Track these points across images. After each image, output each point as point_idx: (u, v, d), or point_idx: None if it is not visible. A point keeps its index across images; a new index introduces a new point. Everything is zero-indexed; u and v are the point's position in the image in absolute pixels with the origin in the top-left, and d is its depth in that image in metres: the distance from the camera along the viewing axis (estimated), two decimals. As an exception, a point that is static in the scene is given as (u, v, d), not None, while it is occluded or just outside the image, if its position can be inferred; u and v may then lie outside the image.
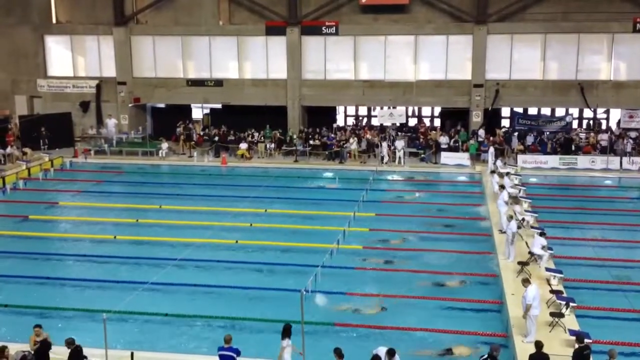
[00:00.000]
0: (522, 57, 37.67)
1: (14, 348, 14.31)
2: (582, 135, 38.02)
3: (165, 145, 38.08)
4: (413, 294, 19.00)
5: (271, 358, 15.33)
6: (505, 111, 40.24)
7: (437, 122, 42.51)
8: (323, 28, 38.82)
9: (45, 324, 15.19)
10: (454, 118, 39.54)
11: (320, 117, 40.82)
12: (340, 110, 44.11)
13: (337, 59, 39.55)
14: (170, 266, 20.80)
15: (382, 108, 40.45)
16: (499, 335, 16.44)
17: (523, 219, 23.67)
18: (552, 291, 17.74)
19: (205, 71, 40.82)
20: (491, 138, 36.58)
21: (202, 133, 39.98)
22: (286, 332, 14.16)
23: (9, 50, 42.06)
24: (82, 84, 41.72)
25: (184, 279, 20.23)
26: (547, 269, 19.35)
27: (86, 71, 42.22)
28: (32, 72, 42.18)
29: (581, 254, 22.05)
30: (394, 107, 39.43)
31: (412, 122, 42.74)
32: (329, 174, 34.91)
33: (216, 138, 38.61)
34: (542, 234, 20.71)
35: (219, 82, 40.49)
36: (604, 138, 36.12)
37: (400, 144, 35.90)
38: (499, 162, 32.10)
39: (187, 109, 43.05)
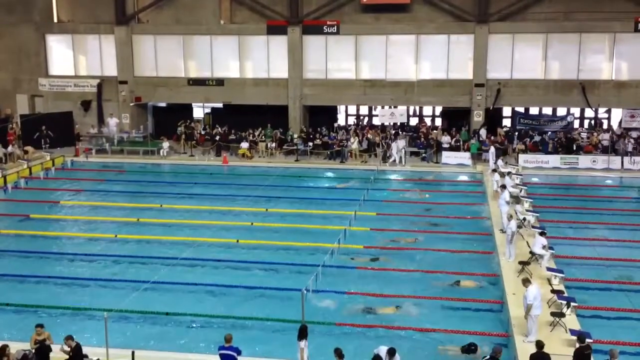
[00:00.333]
0: (524, 57, 37.64)
1: (15, 347, 14.32)
2: (584, 135, 38.00)
3: (166, 144, 38.09)
4: (414, 294, 18.99)
5: (272, 357, 15.39)
6: (507, 111, 40.20)
7: (438, 122, 42.44)
8: (324, 27, 38.81)
9: (47, 322, 15.23)
10: (455, 117, 39.47)
11: (321, 116, 40.81)
12: (341, 109, 44.09)
13: (338, 58, 39.53)
14: (172, 265, 20.82)
15: (383, 107, 40.44)
16: (499, 335, 16.44)
17: (524, 219, 23.66)
18: (553, 291, 17.72)
19: (206, 70, 40.82)
20: (492, 138, 36.55)
21: (203, 132, 39.96)
22: (303, 333, 14.15)
23: (10, 49, 42.09)
24: (83, 83, 41.73)
25: (185, 278, 20.25)
26: (548, 269, 19.36)
27: (87, 70, 42.22)
28: (33, 71, 42.20)
29: (582, 254, 22.03)
30: (395, 107, 39.42)
31: (414, 121, 42.71)
32: (330, 174, 34.94)
33: (217, 137, 38.62)
34: (542, 234, 20.69)
35: (220, 82, 40.49)
36: (605, 138, 36.09)
37: (401, 143, 35.87)
38: (500, 162, 32.07)
39: (188, 108, 43.06)
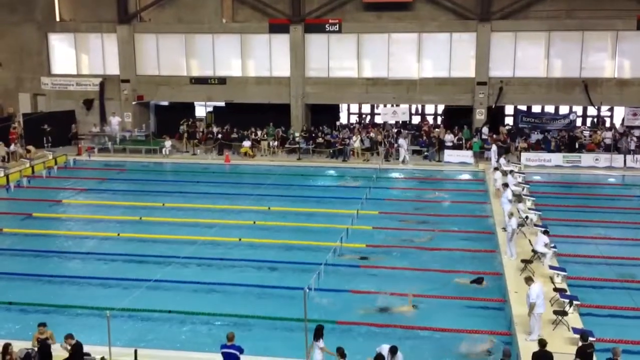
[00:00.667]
0: (526, 55, 37.59)
1: (18, 345, 14.34)
2: (586, 133, 37.96)
3: (168, 143, 38.10)
4: (414, 292, 18.99)
5: (274, 356, 15.41)
6: (509, 109, 40.16)
7: (440, 120, 42.39)
8: (326, 26, 38.78)
9: (49, 321, 15.24)
10: (457, 116, 39.41)
11: (323, 115, 40.79)
12: (343, 108, 44.07)
13: (340, 56, 39.50)
14: (174, 264, 20.86)
15: (385, 106, 40.43)
16: (502, 334, 16.44)
17: (527, 217, 23.65)
18: (555, 289, 17.73)
19: (208, 69, 40.83)
20: (494, 136, 36.52)
21: (205, 131, 39.97)
22: (319, 333, 14.14)
23: (13, 48, 42.10)
24: (85, 81, 41.73)
25: (188, 276, 20.30)
26: (551, 267, 19.34)
27: (90, 69, 42.23)
28: (35, 70, 42.23)
29: (585, 252, 22.00)
30: (397, 105, 39.41)
31: (416, 120, 42.67)
32: (332, 172, 34.95)
33: (219, 136, 38.63)
34: (545, 232, 20.69)
35: (222, 80, 40.49)
36: (607, 136, 36.05)
37: (403, 142, 35.84)
38: (502, 160, 32.04)
39: (190, 107, 43.07)
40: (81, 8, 41.70)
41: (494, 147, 34.12)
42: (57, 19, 41.98)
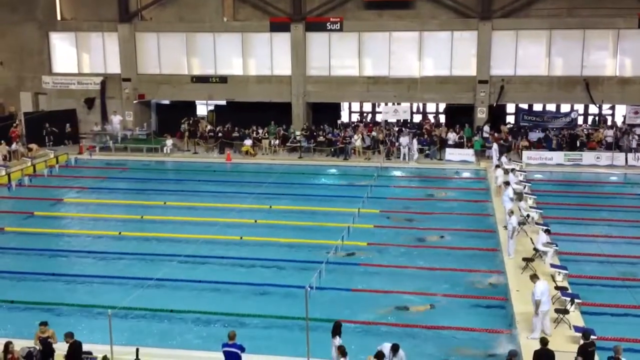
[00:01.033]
0: (527, 53, 37.54)
1: (19, 344, 14.37)
2: (587, 132, 37.90)
3: (169, 141, 38.09)
4: (414, 291, 19.02)
5: (275, 355, 15.42)
6: (510, 107, 40.13)
7: (442, 119, 42.32)
8: (327, 24, 38.76)
9: (51, 320, 15.27)
10: (458, 114, 39.41)
11: (324, 113, 40.79)
12: (344, 106, 44.04)
13: (341, 55, 39.47)
14: (175, 262, 20.86)
15: (386, 104, 40.43)
16: (503, 332, 16.44)
17: (528, 215, 23.64)
18: (557, 287, 17.72)
19: (209, 68, 40.83)
20: (495, 134, 36.50)
21: (207, 129, 39.95)
22: (336, 330, 14.14)
23: (14, 48, 42.11)
24: (86, 80, 41.73)
25: (189, 275, 20.31)
26: (552, 265, 19.34)
27: (91, 68, 42.22)
28: (37, 69, 42.24)
29: (586, 250, 21.98)
30: (398, 104, 39.43)
31: (417, 118, 42.63)
32: (333, 171, 34.98)
33: (220, 134, 38.64)
34: (546, 231, 20.69)
35: (223, 79, 40.49)
36: (609, 134, 36.01)
37: (404, 140, 35.85)
38: (503, 159, 32.02)
39: (191, 106, 43.08)
40: (82, 7, 41.69)
41: (495, 146, 34.10)
42: (58, 17, 41.96)
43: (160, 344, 16.05)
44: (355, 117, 43.99)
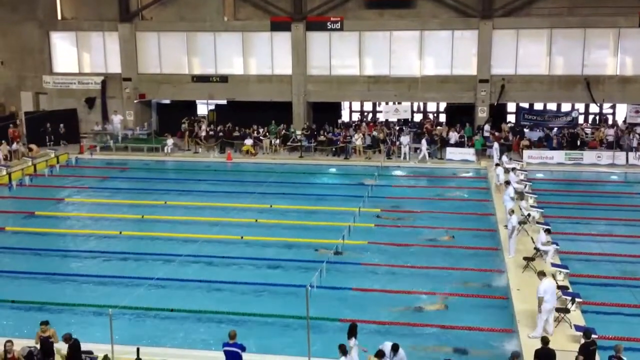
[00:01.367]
0: (528, 52, 37.53)
1: (20, 343, 14.37)
2: (588, 131, 37.91)
3: (170, 141, 38.09)
4: (414, 290, 19.02)
5: (276, 354, 15.41)
6: (511, 106, 40.12)
7: (442, 118, 42.33)
8: (328, 23, 38.75)
9: (52, 319, 15.24)
10: (459, 113, 39.41)
11: (325, 113, 40.78)
12: (345, 105, 44.04)
13: (342, 54, 39.47)
14: (176, 262, 20.84)
15: (387, 104, 40.42)
16: (505, 331, 16.44)
17: (529, 215, 23.63)
18: (557, 287, 17.65)
19: (210, 67, 40.83)
20: (496, 134, 36.48)
21: (207, 129, 39.95)
22: (352, 331, 14.13)
23: (14, 47, 42.11)
24: (87, 80, 41.74)
25: (190, 274, 20.32)
26: (553, 264, 19.34)
27: (91, 67, 42.24)
28: (37, 69, 42.25)
29: (587, 250, 21.99)
30: (399, 103, 39.42)
31: (418, 117, 42.62)
32: (334, 170, 34.99)
33: (221, 134, 38.63)
34: (547, 231, 20.69)
35: (224, 78, 40.49)
36: (610, 133, 36.00)
37: (405, 139, 35.84)
38: (504, 158, 32.01)
39: (192, 105, 43.08)
40: (83, 6, 41.70)
41: (495, 145, 34.09)
42: (59, 17, 41.98)
43: (161, 343, 16.05)
44: (355, 117, 44.01)
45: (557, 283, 18.04)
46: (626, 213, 26.35)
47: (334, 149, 36.99)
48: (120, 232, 24.55)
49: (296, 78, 39.42)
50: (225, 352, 13.85)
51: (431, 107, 43.59)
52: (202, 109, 43.97)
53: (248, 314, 17.46)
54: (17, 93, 42.71)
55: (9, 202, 29.49)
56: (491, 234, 23.88)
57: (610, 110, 40.40)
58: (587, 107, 40.45)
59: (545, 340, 13.66)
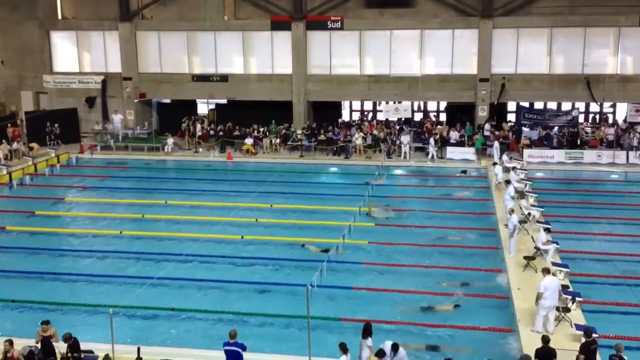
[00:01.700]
0: (528, 51, 37.51)
1: (21, 343, 14.38)
2: (589, 130, 37.90)
3: (170, 140, 38.10)
4: (414, 289, 19.04)
5: (277, 353, 15.42)
6: (511, 106, 40.12)
7: (442, 117, 42.34)
8: (328, 23, 38.74)
9: (52, 319, 15.26)
10: (459, 112, 39.41)
11: (325, 112, 40.78)
12: (345, 105, 44.04)
13: (342, 53, 39.46)
14: (176, 261, 20.86)
15: (387, 103, 40.41)
16: (505, 330, 16.44)
17: (529, 214, 23.63)
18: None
19: (210, 66, 40.83)
20: (496, 133, 36.47)
21: (208, 128, 39.96)
22: (368, 331, 14.14)
23: (15, 46, 42.13)
24: (87, 79, 41.75)
25: (190, 274, 20.31)
26: (553, 264, 19.32)
27: (92, 67, 42.24)
28: (38, 68, 42.25)
29: (587, 249, 22.00)
30: (399, 102, 39.42)
31: (418, 116, 42.61)
32: (334, 169, 35.00)
33: (221, 133, 38.64)
34: (546, 230, 20.69)
35: (224, 78, 40.50)
36: (610, 132, 35.99)
37: (406, 139, 35.83)
38: (505, 157, 32.02)
39: (192, 105, 43.09)
40: (83, 6, 41.71)
41: (496, 144, 34.09)
42: (59, 16, 42.00)
43: (162, 342, 16.05)
44: (356, 116, 44.01)
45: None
46: (626, 212, 26.33)
47: (334, 149, 36.98)
48: (121, 232, 24.56)
49: (296, 77, 39.41)
50: (226, 352, 13.85)
51: (431, 106, 43.59)
52: (203, 109, 43.98)
53: (248, 314, 17.46)
54: (17, 92, 42.73)
55: (9, 201, 29.49)
56: (491, 233, 23.87)
57: (611, 109, 40.39)
58: (587, 106, 40.44)
59: (545, 340, 13.68)
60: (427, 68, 38.68)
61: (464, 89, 38.15)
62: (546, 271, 16.23)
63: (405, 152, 35.66)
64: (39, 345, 14.36)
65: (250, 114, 39.74)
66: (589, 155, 34.48)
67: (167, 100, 43.46)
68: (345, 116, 43.66)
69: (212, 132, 39.33)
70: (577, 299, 16.82)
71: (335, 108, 42.14)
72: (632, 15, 35.75)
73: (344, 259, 21.33)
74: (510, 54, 37.52)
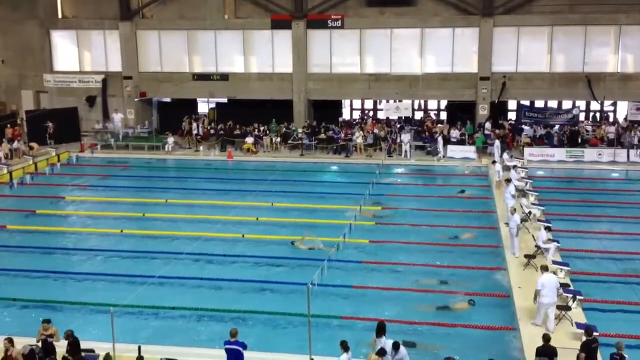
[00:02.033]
0: (529, 50, 37.49)
1: (22, 342, 14.37)
2: (589, 128, 37.88)
3: (171, 139, 38.10)
4: (413, 288, 19.04)
5: (278, 352, 15.42)
6: (512, 104, 40.11)
7: (443, 115, 42.35)
8: (329, 21, 38.73)
9: (53, 317, 15.27)
10: (459, 111, 39.40)
11: (326, 110, 40.77)
12: (346, 103, 44.04)
13: (342, 52, 39.42)
14: (177, 260, 20.87)
15: (388, 101, 40.40)
16: (506, 329, 16.43)
17: (530, 212, 23.62)
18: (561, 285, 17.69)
19: (211, 65, 40.81)
20: (497, 131, 36.46)
21: (208, 127, 39.95)
22: (382, 330, 14.13)
23: (15, 46, 42.11)
24: (88, 78, 41.75)
25: (191, 272, 20.31)
26: (554, 262, 19.31)
27: (92, 66, 42.23)
28: (38, 67, 42.23)
29: (588, 247, 22.00)
30: (399, 101, 39.41)
31: (418, 115, 42.61)
32: (335, 168, 35.01)
33: (222, 132, 38.64)
34: (547, 228, 20.68)
35: (224, 76, 40.48)
36: (611, 131, 35.96)
37: (406, 137, 35.83)
38: (505, 155, 32.01)
39: (193, 103, 43.09)
40: (83, 5, 41.70)
41: (497, 142, 34.07)
42: (60, 15, 41.98)
43: (163, 341, 16.04)
44: (356, 115, 44.00)
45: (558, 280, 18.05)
46: (627, 210, 26.34)
47: (335, 147, 36.97)
48: (122, 230, 24.55)
49: (297, 76, 39.40)
50: (227, 350, 13.85)
51: (432, 104, 43.60)
52: (203, 107, 43.98)
53: (249, 312, 17.45)
54: (17, 92, 42.72)
55: (10, 200, 29.50)
56: (492, 231, 23.85)
57: (611, 108, 40.36)
58: (588, 104, 40.43)
59: (546, 338, 13.69)
60: (427, 66, 38.66)
61: (465, 87, 38.13)
62: (544, 268, 16.31)
63: (405, 151, 35.65)
64: (40, 344, 14.37)
65: (251, 113, 39.74)
66: (589, 153, 34.47)
67: (168, 99, 43.44)
68: (346, 115, 43.64)
69: (212, 131, 39.33)
70: (578, 297, 16.83)
71: (335, 107, 42.13)
72: (633, 14, 35.73)
73: (345, 258, 21.31)
74: (511, 52, 37.50)
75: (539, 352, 13.50)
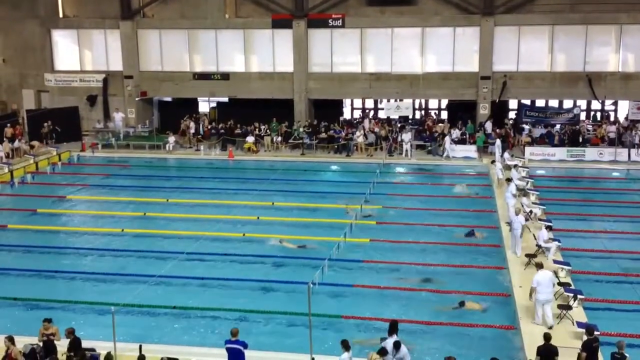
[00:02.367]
0: (530, 49, 37.46)
1: (22, 341, 14.39)
2: (590, 127, 37.87)
3: (172, 138, 38.10)
4: (417, 287, 19.04)
5: (278, 351, 15.42)
6: (513, 103, 40.09)
7: (444, 115, 42.34)
8: (330, 21, 38.71)
9: (54, 317, 15.27)
10: (460, 110, 39.39)
11: (326, 110, 40.77)
12: (346, 103, 44.04)
13: (343, 51, 39.41)
14: (178, 259, 20.84)
15: (388, 101, 40.38)
16: (507, 328, 16.44)
17: (531, 211, 23.62)
18: (560, 283, 17.67)
19: (211, 65, 40.80)
20: (497, 130, 36.45)
21: (209, 126, 39.96)
22: (394, 329, 14.12)
23: (16, 45, 42.12)
24: (89, 77, 41.76)
25: (192, 272, 20.31)
26: (555, 261, 19.33)
27: (93, 65, 42.23)
28: (39, 66, 42.24)
29: (589, 246, 21.99)
30: (400, 100, 39.40)
31: (419, 114, 42.62)
32: (335, 167, 35.01)
33: (222, 131, 38.65)
34: (548, 228, 20.67)
35: (225, 76, 40.48)
36: (612, 130, 35.95)
37: (407, 136, 35.83)
38: (506, 155, 31.99)
39: (194, 103, 43.09)
40: (84, 4, 41.70)
41: (498, 142, 34.03)
42: (60, 15, 41.99)
43: (164, 340, 16.06)
44: (357, 114, 43.99)
45: (556, 276, 17.96)
46: (628, 210, 26.35)
47: (335, 146, 36.98)
48: (123, 230, 24.55)
49: (298, 75, 39.40)
50: (228, 350, 13.85)
51: (433, 104, 43.60)
52: (204, 107, 43.99)
53: (250, 311, 17.45)
54: (18, 91, 42.73)
55: (11, 199, 29.55)
56: (493, 230, 23.84)
57: (612, 107, 40.35)
58: (589, 103, 40.43)
59: (547, 337, 13.67)
60: (428, 66, 38.65)
61: (466, 86, 38.11)
62: (539, 266, 16.43)
63: (406, 150, 35.65)
64: (41, 344, 14.37)
65: (252, 112, 39.74)
66: (590, 153, 34.46)
67: (169, 99, 43.44)
68: (347, 114, 43.64)
69: (213, 131, 39.34)
70: (579, 296, 16.83)
71: (336, 106, 42.13)
72: (634, 13, 35.72)
73: (345, 257, 21.31)
74: (512, 51, 37.48)
75: (540, 351, 13.50)
